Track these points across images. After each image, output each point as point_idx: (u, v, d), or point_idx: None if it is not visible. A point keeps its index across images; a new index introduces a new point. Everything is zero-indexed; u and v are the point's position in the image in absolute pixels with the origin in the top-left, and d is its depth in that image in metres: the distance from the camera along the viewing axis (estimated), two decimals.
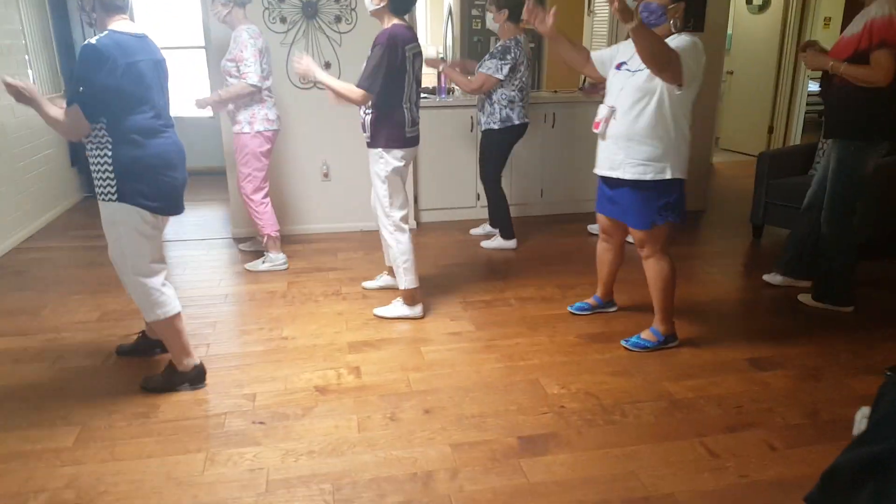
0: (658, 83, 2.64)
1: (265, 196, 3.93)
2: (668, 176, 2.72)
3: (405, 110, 3.07)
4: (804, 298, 3.52)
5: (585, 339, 3.10)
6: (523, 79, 4.10)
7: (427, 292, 3.62)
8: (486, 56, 4.10)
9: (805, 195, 3.59)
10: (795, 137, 7.16)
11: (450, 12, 6.77)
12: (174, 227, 4.03)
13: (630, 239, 3.03)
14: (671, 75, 2.57)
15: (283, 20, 4.31)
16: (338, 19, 4.38)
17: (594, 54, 2.99)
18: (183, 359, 2.64)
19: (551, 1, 6.97)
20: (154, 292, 2.51)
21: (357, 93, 2.95)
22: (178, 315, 2.59)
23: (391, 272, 3.53)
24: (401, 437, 2.34)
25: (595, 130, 2.85)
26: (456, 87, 5.24)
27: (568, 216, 5.06)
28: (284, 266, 4.01)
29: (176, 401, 2.57)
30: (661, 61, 2.52)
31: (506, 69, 3.99)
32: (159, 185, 2.44)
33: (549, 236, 4.68)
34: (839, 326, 3.24)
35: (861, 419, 1.22)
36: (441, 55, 4.30)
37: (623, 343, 3.00)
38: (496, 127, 4.14)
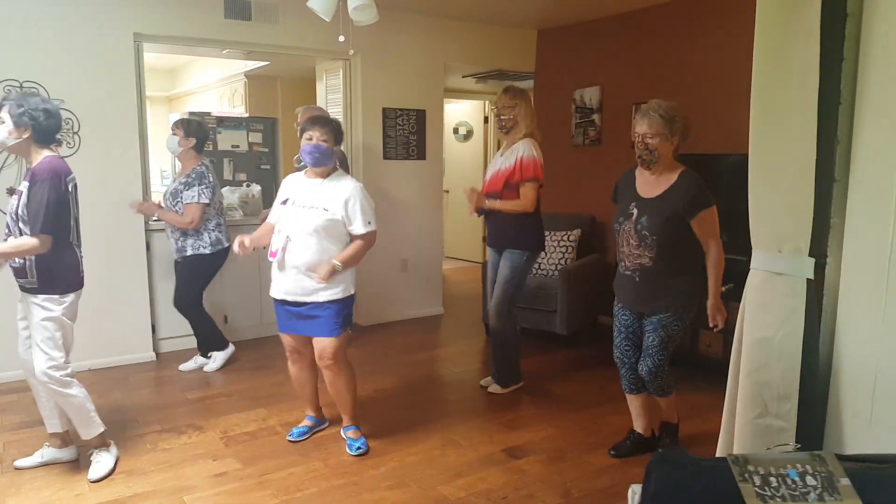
0: (340, 220, 2.98)
1: None
2: (352, 292, 3.09)
3: (76, 248, 2.81)
4: (494, 389, 3.91)
5: (359, 457, 3.12)
6: (221, 201, 4.21)
7: (179, 432, 3.34)
8: (181, 187, 3.99)
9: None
10: None
11: None
12: None
13: None
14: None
15: None
16: (58, 143, 3.99)
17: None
18: None
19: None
20: None
21: (33, 243, 2.61)
22: None
23: (57, 440, 2.99)
24: None
25: (271, 259, 3.03)
26: None
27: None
28: None
29: None
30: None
31: (208, 192, 3.99)
32: None
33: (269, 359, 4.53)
34: (570, 409, 3.74)
35: (633, 495, 1.48)
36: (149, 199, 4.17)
37: (352, 453, 3.11)
38: (208, 252, 4.05)
